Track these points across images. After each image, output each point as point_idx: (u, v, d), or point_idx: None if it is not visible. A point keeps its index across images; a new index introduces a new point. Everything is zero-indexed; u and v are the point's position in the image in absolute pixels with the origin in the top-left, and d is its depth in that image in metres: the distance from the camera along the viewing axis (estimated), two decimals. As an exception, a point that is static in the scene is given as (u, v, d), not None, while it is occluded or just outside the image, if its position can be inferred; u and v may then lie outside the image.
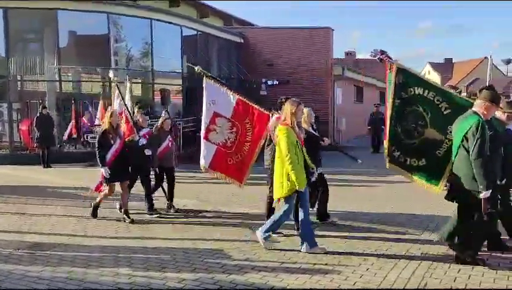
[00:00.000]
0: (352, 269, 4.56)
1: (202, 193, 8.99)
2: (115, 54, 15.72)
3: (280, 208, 5.31)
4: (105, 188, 6.78)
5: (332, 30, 19.46)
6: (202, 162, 6.47)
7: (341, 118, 20.50)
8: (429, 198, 8.06)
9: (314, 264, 4.73)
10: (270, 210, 5.97)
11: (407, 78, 5.36)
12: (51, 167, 12.80)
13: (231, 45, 19.83)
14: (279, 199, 5.24)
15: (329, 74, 19.29)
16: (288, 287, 4.11)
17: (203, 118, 6.49)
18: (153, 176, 7.56)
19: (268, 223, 5.37)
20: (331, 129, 19.56)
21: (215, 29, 19.07)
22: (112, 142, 6.59)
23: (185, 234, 5.99)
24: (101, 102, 13.07)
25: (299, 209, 5.22)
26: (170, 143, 7.49)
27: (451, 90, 5.81)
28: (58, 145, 14.50)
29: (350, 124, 21.01)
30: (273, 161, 5.51)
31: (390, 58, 5.42)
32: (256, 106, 6.28)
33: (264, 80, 19.57)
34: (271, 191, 5.63)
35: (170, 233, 6.07)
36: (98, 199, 6.92)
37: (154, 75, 16.33)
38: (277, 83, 19.41)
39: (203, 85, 6.46)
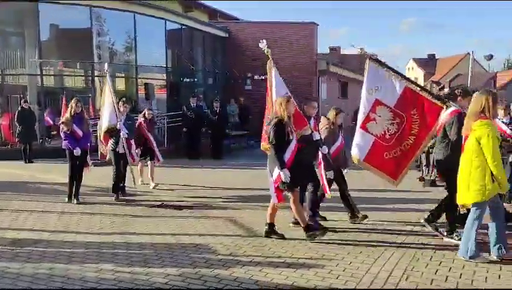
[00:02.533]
0: (335, 262, 4.60)
1: (185, 188, 8.97)
2: (98, 48, 15.52)
3: (472, 214, 4.59)
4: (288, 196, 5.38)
5: (317, 25, 19.52)
6: (355, 153, 5.87)
7: (326, 113, 20.59)
8: (407, 193, 8.20)
9: (299, 258, 4.76)
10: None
11: None
12: (32, 162, 12.60)
13: (216, 40, 19.76)
14: (468, 205, 4.61)
15: (314, 69, 19.36)
16: (272, 281, 4.13)
17: (361, 105, 5.87)
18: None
19: (465, 242, 4.61)
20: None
21: (200, 24, 18.97)
22: (290, 136, 5.34)
23: (169, 229, 5.97)
24: (63, 97, 12.05)
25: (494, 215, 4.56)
26: (344, 140, 6.42)
27: None
28: (40, 140, 14.28)
29: (335, 120, 21.13)
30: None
31: None
32: (427, 96, 5.65)
33: (249, 75, 19.56)
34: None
35: (154, 228, 6.04)
36: (299, 217, 5.41)
37: (138, 69, 16.17)
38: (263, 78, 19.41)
39: (365, 69, 5.85)
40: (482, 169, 4.37)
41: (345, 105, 22.49)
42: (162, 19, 16.50)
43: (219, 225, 6.20)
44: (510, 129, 7.95)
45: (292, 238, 5.45)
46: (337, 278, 4.21)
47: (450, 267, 4.40)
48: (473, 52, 14.21)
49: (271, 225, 5.51)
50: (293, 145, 5.33)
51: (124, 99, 8.78)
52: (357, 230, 5.81)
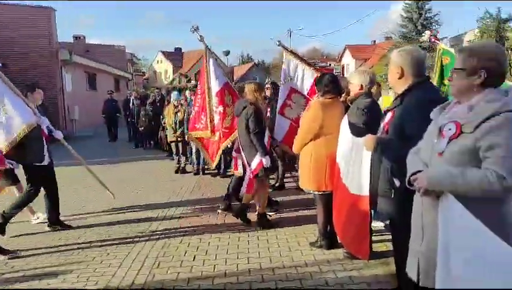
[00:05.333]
0: (85, 264, 4.33)
1: None
2: None
3: None
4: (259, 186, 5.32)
5: (55, 10, 17.86)
6: (276, 136, 6.21)
7: (73, 106, 19.18)
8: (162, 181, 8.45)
9: (44, 267, 4.28)
10: None
11: None
12: None
13: None
14: None
15: (55, 58, 17.72)
16: (8, 301, 3.57)
17: (280, 93, 6.29)
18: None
19: None
20: (61, 118, 18.06)
21: None
22: (265, 123, 5.43)
23: None
24: None
25: None
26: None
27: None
28: None
29: (84, 113, 19.90)
30: None
31: None
32: None
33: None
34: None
35: None
36: (263, 202, 5.45)
37: None
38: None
39: (283, 60, 6.35)
40: None
41: (94, 97, 21.50)
42: None
43: None
44: None
45: (36, 248, 4.86)
46: (87, 280, 3.96)
47: (198, 247, 4.72)
48: (210, 47, 15.77)
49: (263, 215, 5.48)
50: (266, 131, 5.52)
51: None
52: (108, 223, 5.61)
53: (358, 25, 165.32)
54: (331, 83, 4.45)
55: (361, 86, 4.23)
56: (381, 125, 3.09)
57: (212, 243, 4.82)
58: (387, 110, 3.09)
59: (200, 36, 6.24)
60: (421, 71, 2.94)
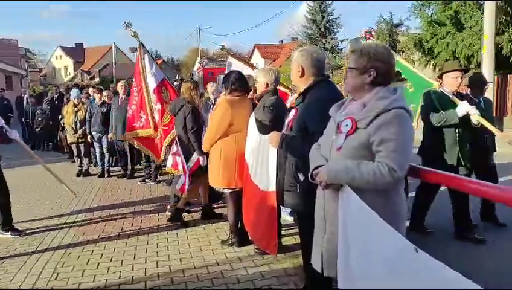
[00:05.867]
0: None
1: None
2: None
3: None
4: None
5: None
6: None
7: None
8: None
9: None
10: None
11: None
12: None
13: None
14: None
15: None
16: None
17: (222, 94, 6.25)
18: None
19: None
20: None
21: None
22: (201, 121, 5.35)
23: None
24: None
25: None
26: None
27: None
28: None
29: (-30, 113, 17.87)
30: None
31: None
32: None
33: None
34: None
35: None
36: (206, 197, 5.60)
37: None
38: None
39: (227, 62, 6.48)
40: None
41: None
42: None
43: None
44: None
45: None
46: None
47: (102, 254, 4.45)
48: (114, 43, 15.06)
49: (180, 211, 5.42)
50: (203, 130, 5.28)
51: None
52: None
53: (267, 24, 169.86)
54: (237, 81, 4.46)
55: (267, 84, 4.30)
56: (286, 122, 3.16)
57: (117, 249, 4.58)
58: (291, 108, 3.17)
59: (134, 32, 6.08)
60: (320, 71, 3.05)
